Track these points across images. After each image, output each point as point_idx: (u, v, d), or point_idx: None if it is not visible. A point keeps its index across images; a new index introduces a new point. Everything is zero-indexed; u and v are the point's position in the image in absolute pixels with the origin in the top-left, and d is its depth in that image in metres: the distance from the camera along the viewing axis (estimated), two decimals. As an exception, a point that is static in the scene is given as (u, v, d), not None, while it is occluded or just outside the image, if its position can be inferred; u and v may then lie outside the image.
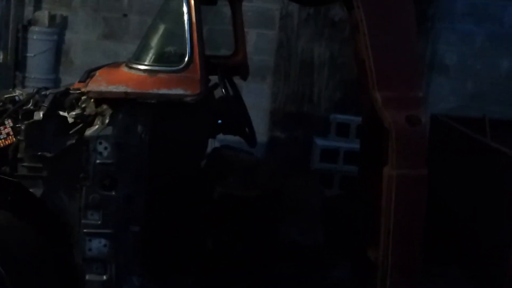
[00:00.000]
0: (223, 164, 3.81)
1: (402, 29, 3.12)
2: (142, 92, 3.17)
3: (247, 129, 3.84)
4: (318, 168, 6.21)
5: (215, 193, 3.44)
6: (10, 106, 3.42)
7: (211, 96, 3.80)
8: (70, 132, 3.22)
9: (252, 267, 3.48)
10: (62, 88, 3.60)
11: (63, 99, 3.36)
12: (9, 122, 3.29)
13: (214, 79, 3.77)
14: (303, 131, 6.52)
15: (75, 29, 6.74)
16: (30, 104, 3.34)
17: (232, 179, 3.62)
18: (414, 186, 3.03)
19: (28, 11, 6.69)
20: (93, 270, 3.21)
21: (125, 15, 6.65)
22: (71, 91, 3.42)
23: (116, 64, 3.65)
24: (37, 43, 6.63)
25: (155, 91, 3.17)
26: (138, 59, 3.36)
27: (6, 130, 3.27)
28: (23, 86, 6.34)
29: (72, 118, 3.23)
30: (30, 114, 3.25)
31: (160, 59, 3.39)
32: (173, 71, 3.22)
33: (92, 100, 3.28)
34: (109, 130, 3.15)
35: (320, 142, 6.31)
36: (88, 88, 3.26)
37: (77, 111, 3.26)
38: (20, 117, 3.30)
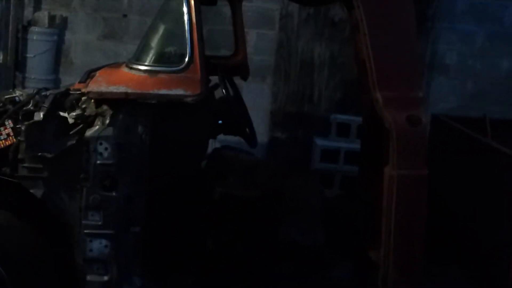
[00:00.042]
0: (223, 165, 3.81)
1: (402, 29, 3.12)
2: (143, 92, 3.17)
3: (247, 129, 3.84)
4: (318, 168, 6.21)
5: (216, 193, 3.44)
6: (10, 106, 3.42)
7: (212, 96, 3.80)
8: (71, 132, 3.22)
9: (252, 267, 3.47)
10: (62, 89, 3.60)
11: (63, 99, 3.36)
12: (9, 123, 3.29)
13: (214, 79, 3.77)
14: (303, 131, 6.52)
15: (75, 30, 6.73)
16: (30, 105, 3.34)
17: (233, 179, 3.62)
18: (414, 186, 3.03)
19: (28, 11, 6.68)
20: (94, 271, 3.21)
21: (125, 16, 6.65)
22: (71, 92, 3.41)
23: (116, 65, 3.65)
24: (37, 44, 6.62)
25: (155, 91, 3.17)
26: (138, 59, 3.36)
27: (7, 131, 3.27)
28: (23, 87, 6.33)
29: (73, 118, 3.23)
30: (30, 114, 3.25)
31: (160, 59, 3.39)
32: (173, 72, 3.22)
33: (92, 100, 3.28)
34: (109, 131, 3.15)
35: (320, 142, 6.30)
36: (89, 89, 3.25)
37: (78, 111, 3.26)
38: (20, 117, 3.29)
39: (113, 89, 3.20)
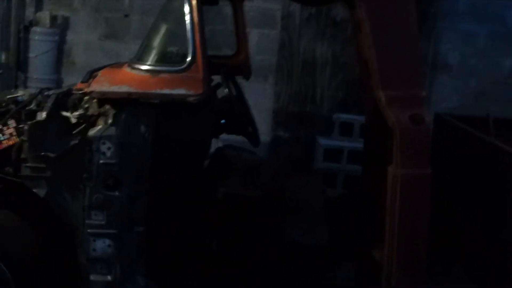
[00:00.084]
0: (226, 164, 3.81)
1: (404, 28, 3.12)
2: (145, 92, 3.17)
3: (250, 128, 3.84)
4: (321, 168, 6.20)
5: (218, 193, 3.44)
6: (13, 106, 3.42)
7: (214, 96, 3.79)
8: (73, 132, 3.22)
9: (255, 267, 3.47)
10: (64, 89, 3.61)
11: (66, 99, 3.37)
12: (12, 123, 3.29)
13: (216, 79, 3.76)
14: (306, 131, 6.52)
15: (76, 30, 6.74)
16: (33, 105, 3.35)
17: (235, 179, 3.62)
18: (418, 185, 3.03)
19: (30, 11, 6.69)
20: (97, 271, 3.21)
21: (126, 15, 6.65)
22: (73, 92, 3.41)
23: (118, 65, 3.65)
24: (39, 44, 6.63)
25: (157, 91, 3.17)
26: (141, 59, 3.35)
27: (9, 131, 3.27)
28: (25, 87, 6.35)
29: (75, 118, 3.23)
30: (33, 114, 3.26)
31: (162, 59, 3.38)
32: (176, 71, 3.22)
33: (95, 100, 3.28)
34: (112, 130, 3.15)
35: (323, 141, 6.30)
36: (91, 89, 3.26)
37: (80, 111, 3.27)
38: (23, 117, 3.30)
39: (115, 88, 3.20)
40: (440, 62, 6.45)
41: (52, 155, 3.16)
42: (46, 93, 3.47)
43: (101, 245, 3.18)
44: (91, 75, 3.56)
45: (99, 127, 3.18)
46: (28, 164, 3.20)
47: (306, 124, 6.51)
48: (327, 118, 6.43)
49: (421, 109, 3.07)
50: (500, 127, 4.02)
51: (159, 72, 3.24)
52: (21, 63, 6.68)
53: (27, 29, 6.65)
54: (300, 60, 6.49)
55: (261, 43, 6.41)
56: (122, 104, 3.19)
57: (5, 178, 3.24)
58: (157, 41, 3.49)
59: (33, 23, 6.66)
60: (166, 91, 3.17)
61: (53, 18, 6.64)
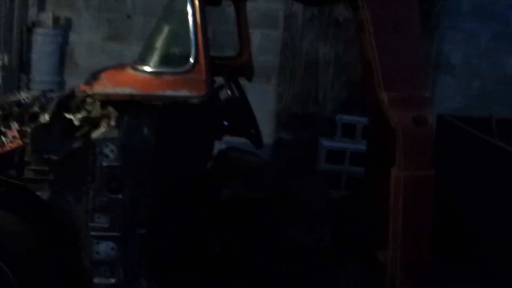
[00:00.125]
0: (229, 166, 3.80)
1: (407, 28, 3.12)
2: (148, 94, 3.17)
3: (253, 130, 3.83)
4: (324, 169, 6.20)
5: (221, 195, 3.43)
6: (15, 109, 3.41)
7: (217, 97, 3.79)
8: (76, 134, 3.22)
9: (258, 268, 3.47)
10: (67, 91, 3.60)
11: (69, 101, 3.36)
12: (15, 125, 3.29)
13: (219, 80, 3.76)
14: (308, 132, 6.51)
15: (79, 31, 6.74)
16: (36, 107, 3.34)
17: (238, 181, 3.61)
18: (421, 186, 3.03)
19: (32, 12, 6.69)
20: (100, 273, 3.21)
21: (128, 16, 6.65)
22: (76, 94, 3.41)
23: (121, 66, 3.65)
24: (41, 45, 6.63)
25: (160, 92, 3.17)
26: (143, 61, 3.35)
27: (12, 133, 3.26)
28: (28, 88, 6.35)
29: (78, 120, 3.23)
30: (36, 116, 3.25)
31: (165, 60, 3.38)
32: (178, 73, 3.21)
33: (97, 102, 3.28)
34: (115, 133, 3.15)
35: (326, 143, 6.30)
36: (94, 90, 3.25)
37: (83, 113, 3.27)
38: (26, 119, 3.29)
39: (118, 90, 3.20)
40: (443, 62, 6.44)
41: (55, 157, 3.15)
42: (49, 95, 3.47)
43: (104, 248, 3.18)
44: (94, 77, 3.56)
45: (102, 129, 3.17)
46: (31, 167, 3.19)
47: (309, 126, 6.51)
48: (330, 119, 6.43)
49: (424, 110, 3.07)
50: (503, 128, 4.02)
51: (162, 73, 3.24)
52: (23, 65, 6.67)
53: (29, 30, 6.65)
54: (303, 61, 6.48)
55: (263, 43, 6.41)
56: (125, 106, 3.18)
57: (8, 181, 3.24)
58: (159, 42, 3.48)
59: (35, 24, 6.66)
60: (169, 92, 3.17)
61: (56, 19, 6.65)
